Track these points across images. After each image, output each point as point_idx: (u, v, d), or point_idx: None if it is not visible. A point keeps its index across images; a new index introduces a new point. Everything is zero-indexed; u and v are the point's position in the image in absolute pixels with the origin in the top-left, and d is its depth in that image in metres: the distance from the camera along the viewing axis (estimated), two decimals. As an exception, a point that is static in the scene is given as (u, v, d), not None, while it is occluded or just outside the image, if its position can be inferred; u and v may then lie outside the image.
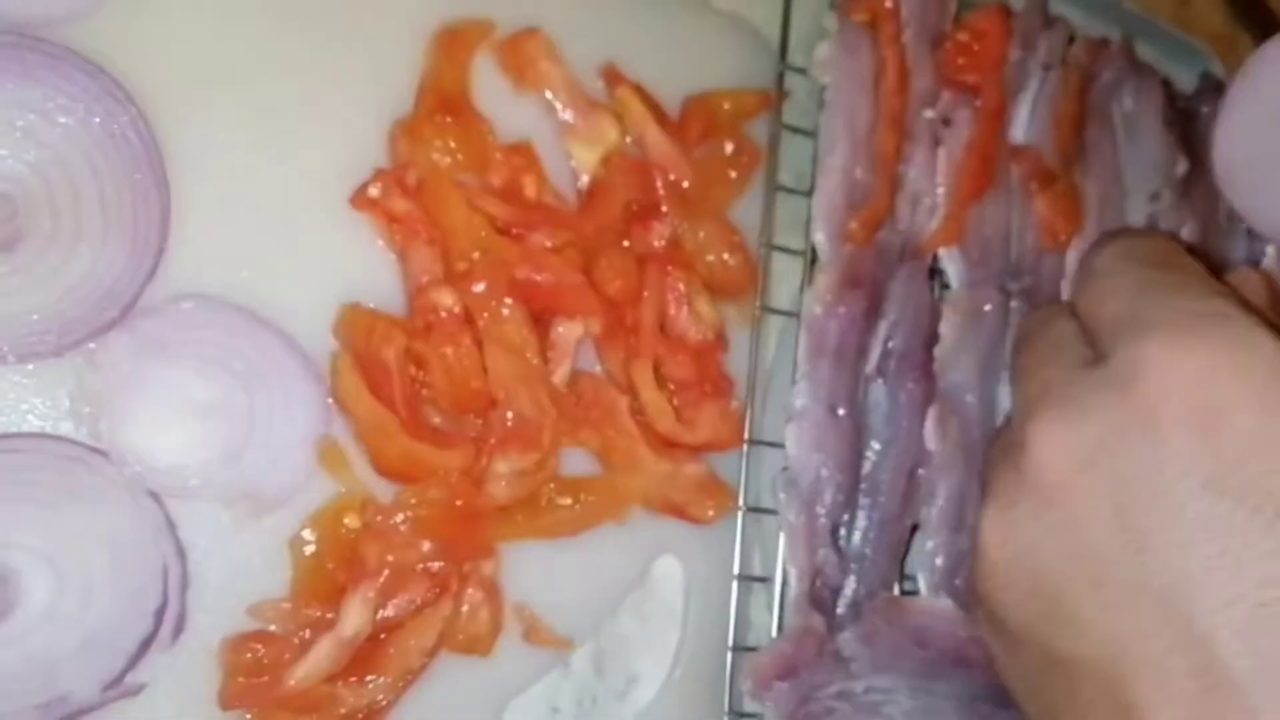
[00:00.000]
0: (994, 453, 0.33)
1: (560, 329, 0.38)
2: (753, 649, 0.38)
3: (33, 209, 0.33)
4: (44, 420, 0.33)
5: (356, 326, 0.35)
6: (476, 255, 0.36)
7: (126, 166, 0.34)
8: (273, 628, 0.34)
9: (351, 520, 0.35)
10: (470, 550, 0.36)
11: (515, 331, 0.36)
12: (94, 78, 0.34)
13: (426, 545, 0.35)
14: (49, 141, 0.33)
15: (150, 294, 0.34)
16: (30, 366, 0.33)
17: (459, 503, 0.35)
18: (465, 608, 0.35)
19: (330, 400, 0.35)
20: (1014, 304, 0.42)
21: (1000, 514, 0.30)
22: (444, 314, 0.36)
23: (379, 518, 0.35)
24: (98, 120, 0.33)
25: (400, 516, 0.35)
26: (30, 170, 0.33)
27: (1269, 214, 0.37)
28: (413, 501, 0.35)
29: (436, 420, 0.36)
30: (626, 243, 0.39)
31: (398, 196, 0.36)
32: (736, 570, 0.39)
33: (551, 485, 0.37)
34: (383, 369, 0.35)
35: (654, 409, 0.38)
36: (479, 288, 0.36)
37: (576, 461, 0.38)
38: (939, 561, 0.40)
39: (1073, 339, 0.32)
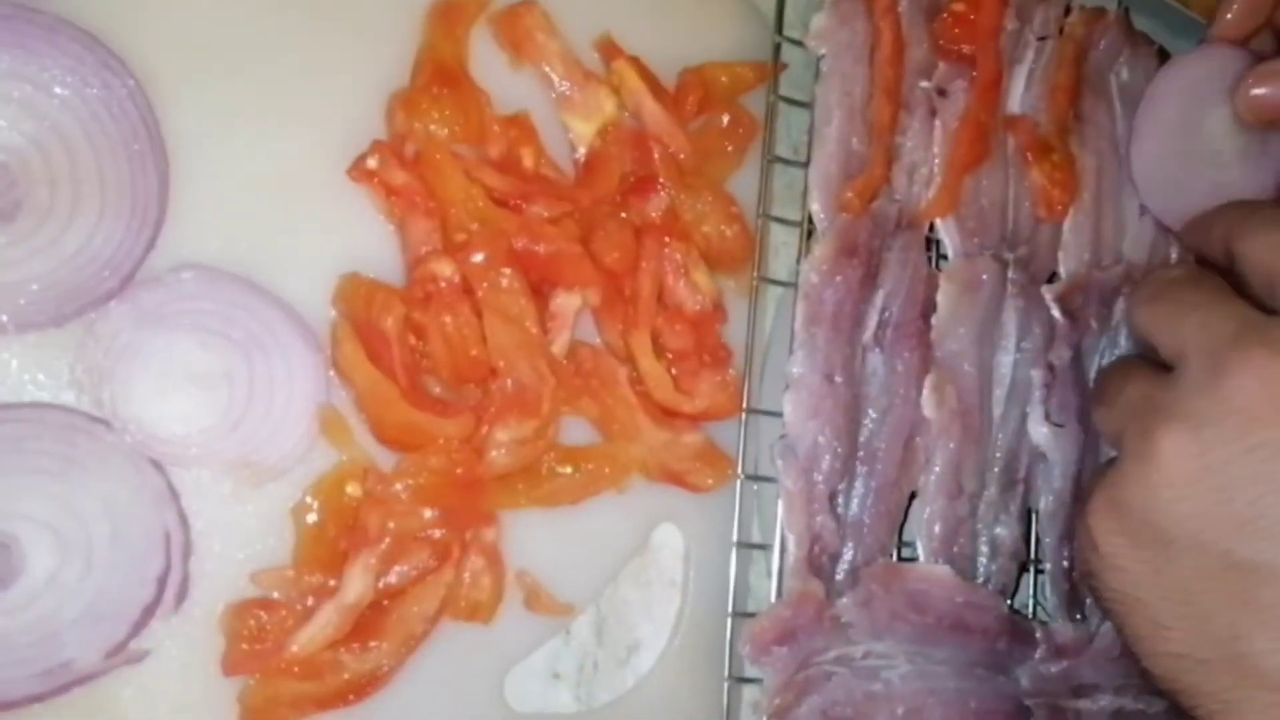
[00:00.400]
0: (1147, 382, 0.36)
1: (559, 299, 0.38)
2: (752, 615, 0.38)
3: (30, 180, 0.33)
4: (45, 390, 0.33)
5: (356, 296, 0.35)
6: (475, 226, 0.37)
7: (124, 137, 0.34)
8: (275, 594, 0.34)
9: (353, 488, 0.35)
10: (471, 518, 0.36)
11: (514, 301, 0.36)
12: (90, 49, 0.34)
13: (428, 513, 0.35)
14: (46, 113, 0.33)
15: (150, 265, 0.34)
16: (31, 337, 0.33)
17: (459, 471, 0.35)
18: (467, 575, 0.36)
19: (330, 370, 0.35)
20: (1010, 274, 0.43)
21: (1192, 432, 0.33)
22: (443, 284, 0.36)
23: (380, 486, 0.35)
24: (94, 91, 0.33)
25: (401, 484, 0.35)
26: (27, 141, 0.33)
27: (1175, 212, 0.44)
28: (413, 470, 0.35)
29: (436, 389, 0.36)
30: (624, 214, 0.40)
31: (395, 168, 0.36)
32: (735, 537, 0.39)
33: (551, 454, 0.37)
34: (382, 338, 0.35)
35: (653, 378, 0.39)
36: (477, 258, 0.36)
37: (576, 431, 0.38)
38: (936, 528, 0.40)
39: (1227, 290, 0.36)
